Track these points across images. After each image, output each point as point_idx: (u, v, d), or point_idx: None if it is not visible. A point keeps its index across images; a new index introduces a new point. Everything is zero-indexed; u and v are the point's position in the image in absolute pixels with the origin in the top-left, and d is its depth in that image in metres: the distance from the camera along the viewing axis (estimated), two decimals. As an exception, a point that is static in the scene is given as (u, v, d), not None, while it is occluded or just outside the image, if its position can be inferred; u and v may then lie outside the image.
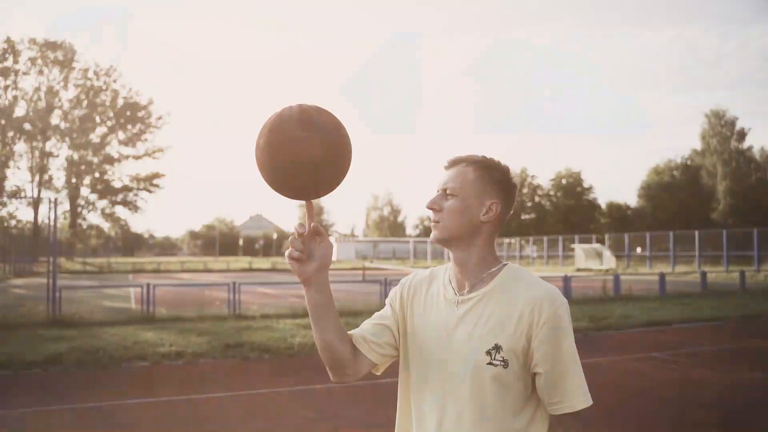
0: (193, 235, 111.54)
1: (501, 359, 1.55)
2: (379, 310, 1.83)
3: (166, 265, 48.48)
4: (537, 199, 61.61)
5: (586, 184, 60.81)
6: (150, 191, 61.96)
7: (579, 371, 1.57)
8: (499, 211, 1.67)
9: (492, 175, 1.68)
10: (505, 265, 1.69)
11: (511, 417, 1.57)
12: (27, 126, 54.18)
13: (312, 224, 1.58)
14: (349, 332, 1.76)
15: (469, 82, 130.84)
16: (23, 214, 55.09)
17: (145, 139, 61.19)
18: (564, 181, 61.11)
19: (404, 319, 1.76)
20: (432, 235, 1.70)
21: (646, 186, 59.60)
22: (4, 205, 52.90)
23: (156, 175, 61.59)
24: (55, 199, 13.90)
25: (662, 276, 19.07)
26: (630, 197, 78.71)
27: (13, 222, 53.94)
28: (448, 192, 1.67)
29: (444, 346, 1.63)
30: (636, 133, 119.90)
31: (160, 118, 61.35)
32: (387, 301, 1.84)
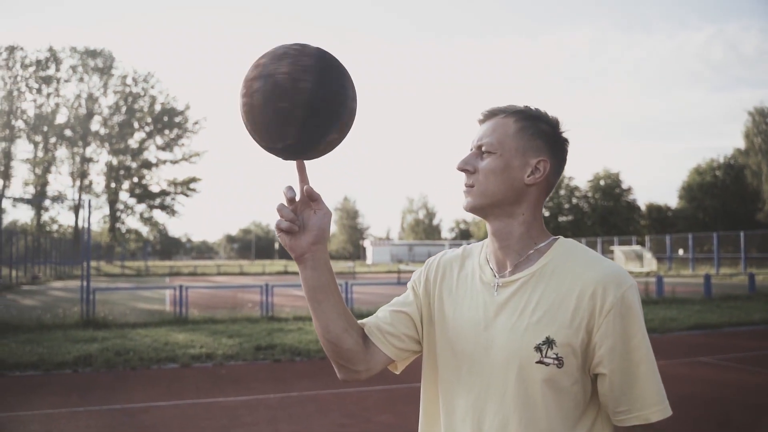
0: (230, 239, 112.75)
1: (554, 356, 1.25)
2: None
3: (203, 268, 48.91)
4: (575, 200, 60.50)
5: (624, 186, 59.52)
6: (187, 195, 62.72)
7: (654, 372, 1.26)
8: (548, 171, 1.36)
9: (538, 128, 1.37)
10: (556, 239, 1.38)
11: (566, 428, 1.27)
12: (68, 132, 55.36)
13: (305, 187, 1.31)
14: (360, 321, 1.48)
15: (504, 83, 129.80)
16: (65, 218, 56.17)
17: (182, 144, 62.05)
18: (602, 183, 59.91)
19: (429, 306, 1.47)
20: (465, 202, 1.39)
21: (687, 187, 58.13)
22: (46, 209, 54.21)
23: (193, 180, 62.33)
24: (89, 202, 13.95)
25: (707, 278, 18.36)
26: (670, 198, 77.15)
27: (55, 226, 55.32)
28: (484, 149, 1.37)
29: (481, 341, 1.33)
30: (676, 133, 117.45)
31: (196, 122, 62.14)
32: (409, 284, 1.54)
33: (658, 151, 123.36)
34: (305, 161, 1.33)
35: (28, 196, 51.42)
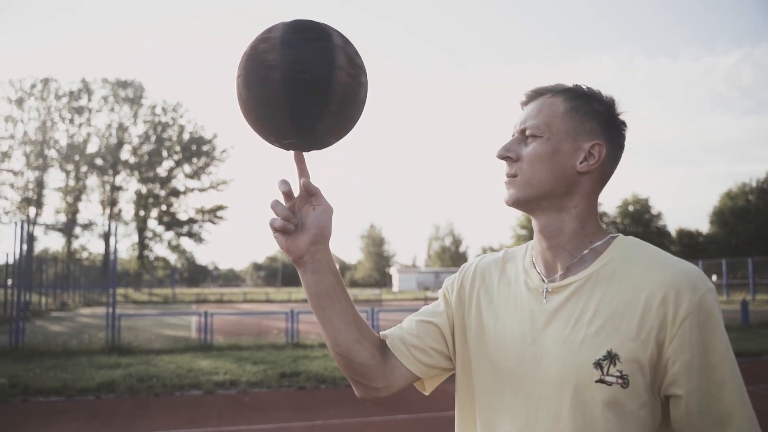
0: (256, 267, 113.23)
1: (618, 374, 1.05)
2: None
3: (229, 295, 48.99)
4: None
5: (654, 211, 58.63)
6: (214, 223, 63.13)
7: (741, 393, 1.06)
8: (604, 157, 1.17)
9: (591, 107, 1.18)
10: (615, 236, 1.19)
11: None
12: (99, 161, 56.27)
13: (302, 181, 1.16)
14: (383, 333, 1.30)
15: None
16: (95, 245, 56.93)
17: (210, 172, 62.62)
18: (631, 208, 59.11)
19: (463, 317, 1.28)
20: (507, 195, 1.20)
21: (718, 212, 57.02)
22: (76, 237, 55.00)
23: (220, 207, 62.78)
24: (115, 229, 14.03)
25: (744, 304, 17.76)
26: (702, 224, 75.75)
27: (85, 253, 56.05)
28: (528, 132, 1.18)
29: (527, 357, 1.13)
30: (706, 157, 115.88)
31: (224, 151, 62.74)
32: (440, 291, 1.35)
33: (688, 175, 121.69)
34: (304, 152, 1.19)
35: (59, 224, 52.21)
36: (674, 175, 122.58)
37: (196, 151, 61.52)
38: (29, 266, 18.42)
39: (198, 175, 62.37)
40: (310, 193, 1.18)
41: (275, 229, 1.17)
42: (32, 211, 52.61)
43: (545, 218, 1.19)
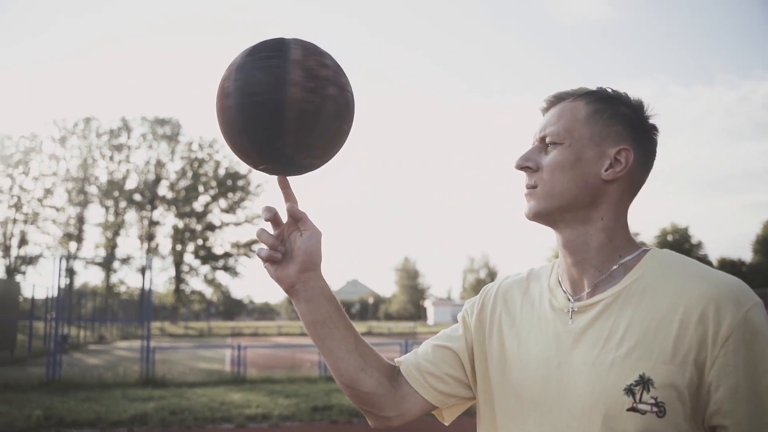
0: (291, 300, 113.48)
1: (652, 402, 0.94)
2: None
3: (264, 329, 49.13)
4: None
5: (694, 240, 57.40)
6: (249, 257, 63.64)
7: None
8: (632, 163, 1.08)
9: (617, 110, 1.10)
10: (646, 250, 1.09)
11: None
12: (137, 197, 57.44)
13: (287, 206, 1.12)
14: (398, 359, 1.23)
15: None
16: (132, 279, 57.82)
17: (245, 207, 63.40)
18: (670, 238, 57.95)
19: (483, 341, 1.19)
20: (527, 208, 1.12)
21: (762, 240, 55.62)
22: (115, 271, 55.91)
23: (255, 242, 63.25)
24: (150, 263, 14.23)
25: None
26: (745, 252, 73.76)
27: (123, 287, 56.90)
28: (548, 140, 1.10)
29: (552, 383, 1.04)
30: (745, 185, 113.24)
31: (258, 185, 63.54)
32: (459, 314, 1.27)
33: (729, 203, 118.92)
34: (287, 177, 1.15)
35: (98, 259, 53.17)
36: (714, 203, 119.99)
37: (231, 186, 62.44)
38: (69, 300, 18.74)
39: (233, 209, 63.18)
40: (295, 218, 1.14)
41: (262, 259, 1.12)
42: (73, 246, 53.75)
43: (569, 232, 1.10)
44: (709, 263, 56.90)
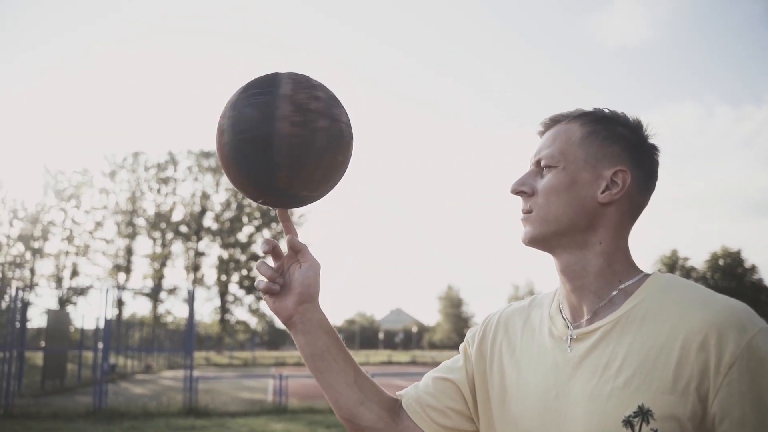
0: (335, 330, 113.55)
1: None
2: None
3: (307, 358, 49.10)
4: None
5: (747, 264, 55.60)
6: (293, 286, 64.14)
7: None
8: (630, 183, 1.05)
9: (613, 131, 1.08)
10: (648, 275, 1.05)
11: None
12: (183, 228, 58.67)
13: (287, 238, 1.12)
14: (399, 392, 1.21)
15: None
16: (179, 310, 58.81)
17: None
18: (721, 262, 56.28)
19: (485, 372, 1.16)
20: (522, 233, 1.10)
21: (820, 265, 53.51)
22: (162, 301, 56.95)
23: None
24: (192, 293, 14.48)
25: None
26: (802, 278, 70.85)
27: (169, 317, 57.87)
28: (543, 163, 1.09)
29: (551, 414, 1.02)
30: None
31: (302, 215, 64.24)
32: (461, 345, 1.25)
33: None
34: (287, 209, 1.16)
35: (146, 289, 54.35)
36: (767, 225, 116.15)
37: (274, 216, 63.15)
38: (117, 330, 19.12)
39: (276, 239, 63.85)
40: (295, 249, 1.14)
41: (261, 291, 1.13)
42: (122, 277, 55.02)
43: (567, 257, 1.08)
44: (765, 288, 54.99)
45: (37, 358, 20.04)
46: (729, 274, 55.60)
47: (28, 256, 46.85)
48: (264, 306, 64.15)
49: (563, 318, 1.09)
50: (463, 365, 1.21)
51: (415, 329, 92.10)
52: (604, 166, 1.06)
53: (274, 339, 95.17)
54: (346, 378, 1.15)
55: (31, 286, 43.67)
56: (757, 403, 0.88)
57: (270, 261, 1.17)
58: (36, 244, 47.25)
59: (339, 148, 1.11)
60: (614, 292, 1.04)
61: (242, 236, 62.96)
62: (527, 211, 1.10)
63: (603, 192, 1.05)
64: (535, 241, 1.09)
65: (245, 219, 62.80)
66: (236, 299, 63.68)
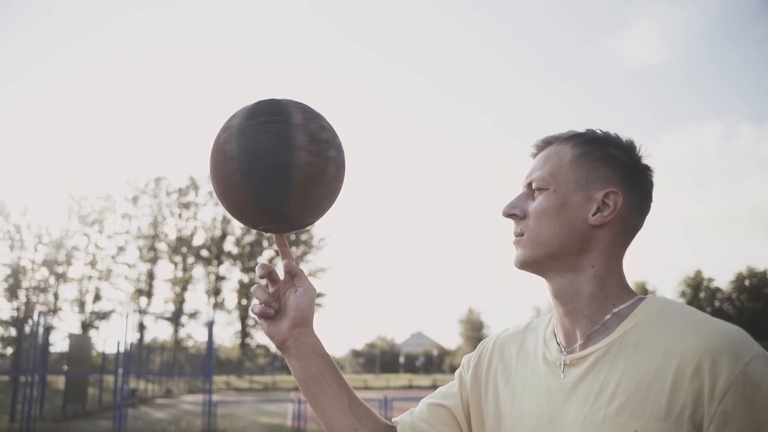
0: (355, 354, 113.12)
1: None
2: None
3: (328, 382, 48.89)
4: (717, 303, 56.06)
5: (774, 285, 54.55)
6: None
7: None
8: (622, 205, 1.04)
9: (605, 152, 1.07)
10: (642, 298, 1.04)
11: None
12: (204, 253, 59.09)
13: (284, 262, 1.14)
14: (395, 418, 1.22)
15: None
16: (200, 334, 59.02)
17: (308, 261, 64.25)
18: (747, 283, 55.31)
19: (480, 398, 1.16)
20: (514, 256, 1.10)
21: None
22: (183, 325, 57.21)
23: (318, 295, 63.58)
24: (212, 318, 14.53)
25: None
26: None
27: (190, 342, 58.06)
28: (534, 185, 1.09)
29: None
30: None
31: (321, 239, 64.46)
32: (457, 371, 1.25)
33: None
34: (283, 234, 1.17)
35: (167, 313, 54.58)
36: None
37: (294, 240, 63.52)
38: (139, 354, 19.22)
39: (297, 263, 64.07)
40: (291, 274, 1.16)
41: (256, 315, 1.14)
42: (143, 301, 55.45)
43: (559, 280, 1.07)
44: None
45: (59, 382, 20.19)
46: (755, 295, 54.62)
47: (52, 280, 47.37)
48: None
49: (557, 343, 1.09)
50: (458, 391, 1.21)
51: (436, 353, 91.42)
52: (595, 188, 1.05)
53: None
54: (340, 403, 1.16)
55: (54, 310, 44.16)
56: (753, 431, 0.86)
57: (267, 285, 1.19)
58: (60, 269, 47.79)
59: (342, 176, 1.15)
60: (607, 316, 1.03)
61: (262, 260, 63.26)
62: (519, 234, 1.10)
63: (594, 214, 1.04)
64: (527, 264, 1.08)
65: (265, 243, 63.11)
66: (256, 323, 63.65)
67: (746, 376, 0.87)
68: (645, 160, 1.10)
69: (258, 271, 1.16)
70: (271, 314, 1.15)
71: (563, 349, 1.07)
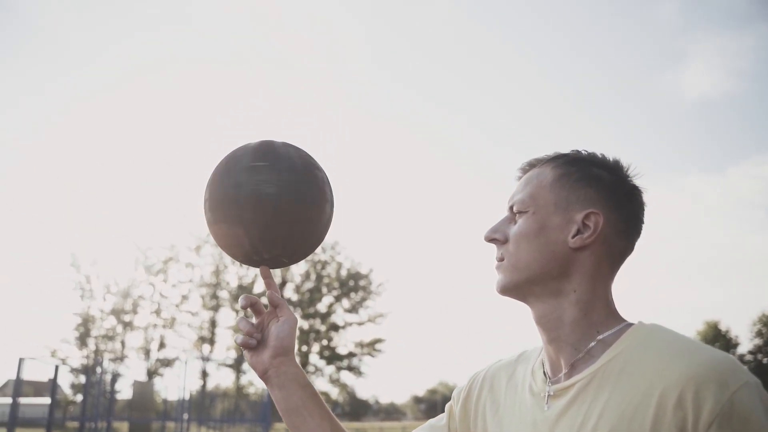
0: (417, 400, 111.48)
1: None
2: None
3: (389, 430, 48.41)
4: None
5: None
6: (373, 356, 63.77)
7: None
8: (604, 226, 1.00)
9: (587, 173, 1.04)
10: (630, 325, 1.01)
11: None
12: (264, 300, 59.93)
13: (267, 293, 1.17)
14: None
15: (694, 223, 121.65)
16: (260, 381, 59.28)
17: (367, 306, 64.20)
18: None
19: (467, 430, 1.16)
20: (496, 282, 1.08)
21: None
22: (244, 372, 57.71)
23: (378, 341, 63.54)
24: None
25: None
26: None
27: (252, 389, 58.44)
28: (515, 209, 1.07)
29: None
30: None
31: (380, 284, 64.43)
32: (447, 404, 1.24)
33: None
34: (268, 267, 1.22)
35: (229, 360, 55.25)
36: None
37: (353, 286, 63.71)
38: (201, 401, 19.47)
39: (356, 309, 64.13)
40: (273, 304, 1.19)
41: (240, 345, 1.16)
42: (206, 348, 56.36)
43: (541, 306, 1.04)
44: None
45: (123, 427, 20.61)
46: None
47: (119, 329, 48.83)
48: (345, 376, 64.03)
49: (544, 373, 1.06)
50: (446, 423, 1.21)
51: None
52: (575, 210, 1.02)
53: (355, 409, 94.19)
54: None
55: (121, 358, 45.37)
56: None
57: (252, 316, 1.23)
58: (126, 318, 49.23)
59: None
60: (592, 344, 0.99)
61: (322, 306, 63.53)
62: (500, 259, 1.08)
63: (574, 236, 1.01)
64: (507, 289, 1.06)
65: (324, 289, 63.52)
66: (317, 369, 63.75)
67: (734, 406, 0.83)
68: (633, 181, 1.07)
69: (240, 301, 1.20)
70: (254, 344, 1.16)
71: (549, 380, 1.04)
